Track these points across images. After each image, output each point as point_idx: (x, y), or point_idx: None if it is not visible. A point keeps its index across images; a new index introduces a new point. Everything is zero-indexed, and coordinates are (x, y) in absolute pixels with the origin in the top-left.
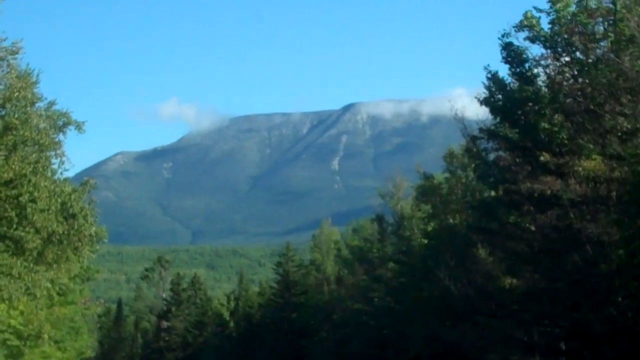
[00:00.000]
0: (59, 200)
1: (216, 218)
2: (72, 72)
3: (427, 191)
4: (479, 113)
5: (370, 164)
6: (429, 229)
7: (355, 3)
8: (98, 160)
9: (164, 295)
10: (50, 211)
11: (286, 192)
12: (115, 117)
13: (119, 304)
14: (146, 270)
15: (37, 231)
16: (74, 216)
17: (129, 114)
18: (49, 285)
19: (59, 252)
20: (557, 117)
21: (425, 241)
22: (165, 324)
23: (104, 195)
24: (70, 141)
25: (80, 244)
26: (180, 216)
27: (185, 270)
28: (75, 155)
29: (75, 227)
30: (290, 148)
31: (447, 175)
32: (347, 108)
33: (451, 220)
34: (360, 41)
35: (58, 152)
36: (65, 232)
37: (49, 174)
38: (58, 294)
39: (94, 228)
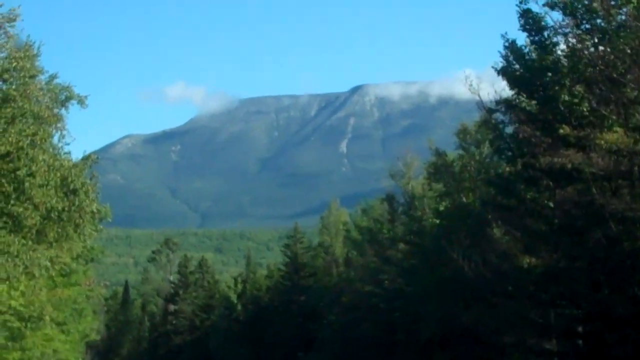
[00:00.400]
0: (58, 174)
1: (225, 201)
2: (80, 55)
3: (439, 169)
4: (489, 92)
5: (379, 146)
6: (441, 208)
7: None
8: (106, 144)
9: (171, 278)
10: (49, 186)
11: (294, 175)
12: (122, 100)
13: (126, 286)
14: (153, 252)
15: (36, 207)
16: (74, 192)
17: (137, 97)
18: (49, 264)
19: (59, 230)
20: (578, 88)
21: (437, 221)
22: (172, 307)
23: (112, 178)
24: (78, 124)
25: (81, 221)
26: (189, 199)
27: (193, 253)
28: (83, 138)
29: (76, 203)
30: (298, 130)
31: (460, 152)
32: (355, 90)
33: (464, 199)
34: (368, 23)
35: (58, 125)
36: (66, 209)
37: (49, 147)
38: (61, 274)
39: (95, 205)
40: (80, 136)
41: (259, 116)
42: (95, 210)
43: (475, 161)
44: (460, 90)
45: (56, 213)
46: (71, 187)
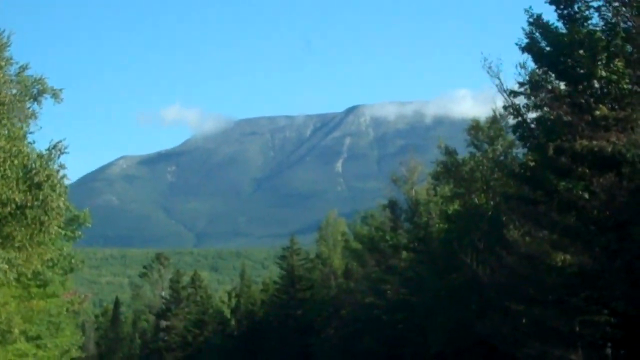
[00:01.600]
0: (16, 162)
1: (220, 221)
2: (74, 76)
3: (448, 168)
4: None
5: (374, 166)
6: (450, 211)
7: (358, 6)
8: (101, 165)
9: (163, 294)
10: (9, 177)
11: (290, 195)
12: (118, 121)
13: (116, 303)
14: (145, 268)
15: None
16: (39, 186)
17: (133, 119)
18: (5, 267)
19: (23, 229)
20: (617, 63)
21: (446, 225)
22: (164, 323)
23: (108, 199)
24: (73, 145)
25: (46, 218)
26: (184, 219)
27: (189, 272)
28: (78, 160)
29: (40, 197)
30: (294, 150)
31: (472, 149)
32: (351, 110)
33: (476, 200)
34: (363, 43)
35: (21, 116)
36: (29, 204)
37: (6, 132)
38: (37, 285)
39: (62, 199)
40: (76, 157)
41: (255, 137)
42: (61, 206)
43: (488, 159)
44: (456, 110)
45: (13, 206)
46: (35, 180)
